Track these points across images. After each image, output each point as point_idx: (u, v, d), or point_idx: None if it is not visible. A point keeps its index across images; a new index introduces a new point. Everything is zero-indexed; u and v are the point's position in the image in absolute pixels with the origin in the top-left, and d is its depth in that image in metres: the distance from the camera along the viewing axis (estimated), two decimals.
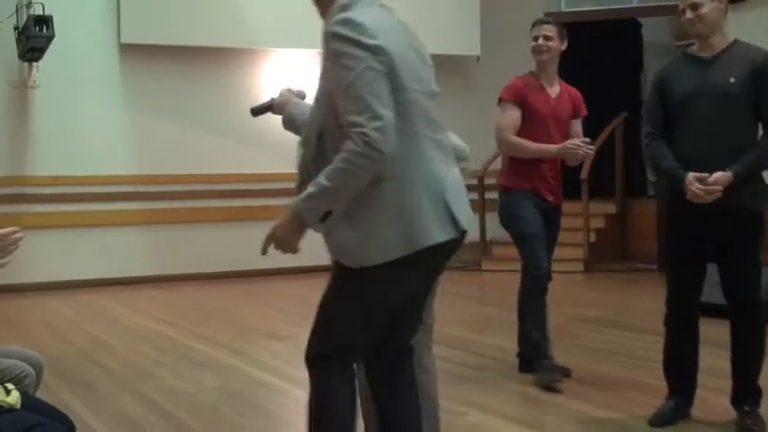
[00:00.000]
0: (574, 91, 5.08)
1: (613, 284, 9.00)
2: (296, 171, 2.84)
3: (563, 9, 10.93)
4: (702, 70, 3.89)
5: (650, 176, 10.66)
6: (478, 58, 10.54)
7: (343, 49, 2.49)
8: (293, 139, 9.11)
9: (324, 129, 2.62)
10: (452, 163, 2.73)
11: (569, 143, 4.79)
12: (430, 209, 2.56)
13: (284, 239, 2.66)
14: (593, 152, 4.83)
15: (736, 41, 3.92)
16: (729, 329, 4.07)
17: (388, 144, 2.44)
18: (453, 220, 2.60)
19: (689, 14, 3.84)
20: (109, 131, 9.27)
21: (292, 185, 10.58)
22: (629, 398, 4.57)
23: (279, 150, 9.86)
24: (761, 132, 3.93)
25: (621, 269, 9.93)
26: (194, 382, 5.10)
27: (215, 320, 7.20)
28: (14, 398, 2.54)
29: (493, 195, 10.29)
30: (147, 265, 9.37)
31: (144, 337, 6.53)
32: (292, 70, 9.97)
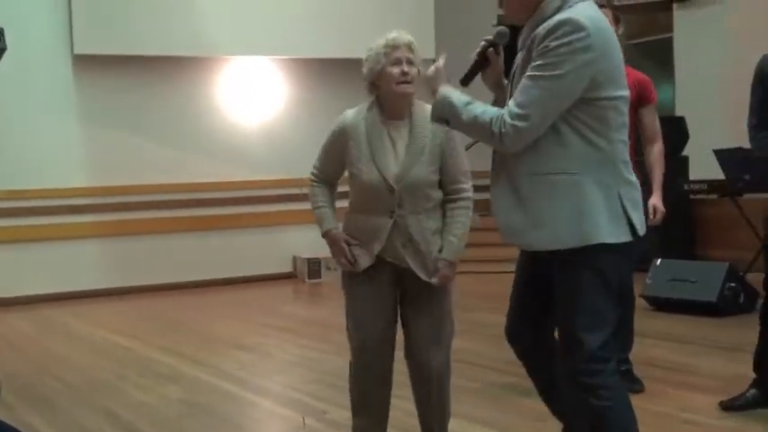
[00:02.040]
0: (637, 76, 4.72)
1: None
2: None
3: None
4: None
5: None
6: (434, 62, 10.54)
7: (558, 47, 2.56)
8: (250, 147, 9.18)
9: None
10: (631, 168, 2.82)
11: None
12: (606, 208, 2.67)
13: (426, 81, 2.93)
14: None
15: None
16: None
17: (513, 144, 2.63)
18: (630, 224, 2.70)
19: None
20: (64, 144, 9.14)
21: (251, 193, 10.58)
22: None
23: (236, 159, 9.85)
24: None
25: None
26: (158, 394, 5.05)
27: (176, 332, 7.14)
28: None
29: None
30: (105, 277, 9.25)
31: (105, 350, 6.45)
32: (251, 78, 9.98)
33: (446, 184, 3.41)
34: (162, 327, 7.42)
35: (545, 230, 2.68)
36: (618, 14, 4.72)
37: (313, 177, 3.57)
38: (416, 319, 3.44)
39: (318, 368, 5.61)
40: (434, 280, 3.33)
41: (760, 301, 5.60)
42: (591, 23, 2.59)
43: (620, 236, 2.67)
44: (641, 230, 2.72)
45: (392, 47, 3.37)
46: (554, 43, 2.57)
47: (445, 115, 2.76)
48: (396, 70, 3.34)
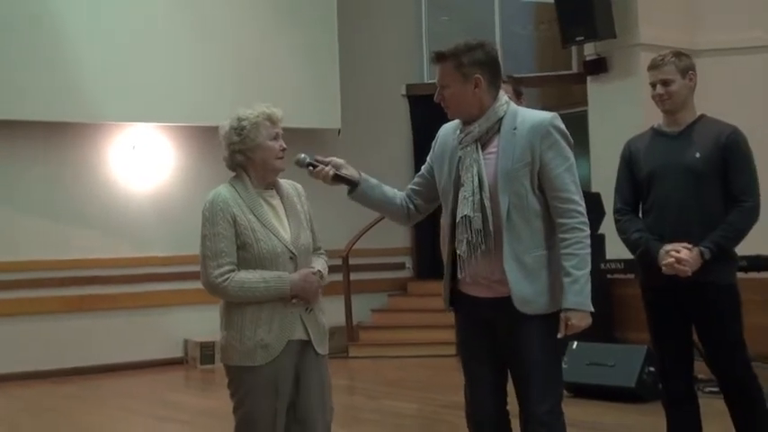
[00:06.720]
0: None
1: None
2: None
3: (426, 80, 11.23)
4: (668, 145, 4.17)
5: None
6: (339, 132, 10.71)
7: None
8: (136, 221, 9.18)
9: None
10: None
11: None
12: None
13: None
14: None
15: (702, 116, 4.21)
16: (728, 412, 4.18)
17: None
18: None
19: (659, 90, 4.15)
20: None
21: (137, 271, 10.43)
22: None
23: (121, 233, 9.69)
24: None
25: None
26: None
27: (52, 426, 6.94)
28: None
29: (358, 276, 10.53)
30: None
31: None
32: (137, 146, 9.92)
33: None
34: (36, 420, 7.21)
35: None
36: (519, 89, 4.93)
37: (225, 276, 3.46)
38: (308, 391, 3.59)
39: None
40: None
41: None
42: None
43: None
44: None
45: (272, 121, 3.57)
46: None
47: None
48: (276, 145, 3.55)
